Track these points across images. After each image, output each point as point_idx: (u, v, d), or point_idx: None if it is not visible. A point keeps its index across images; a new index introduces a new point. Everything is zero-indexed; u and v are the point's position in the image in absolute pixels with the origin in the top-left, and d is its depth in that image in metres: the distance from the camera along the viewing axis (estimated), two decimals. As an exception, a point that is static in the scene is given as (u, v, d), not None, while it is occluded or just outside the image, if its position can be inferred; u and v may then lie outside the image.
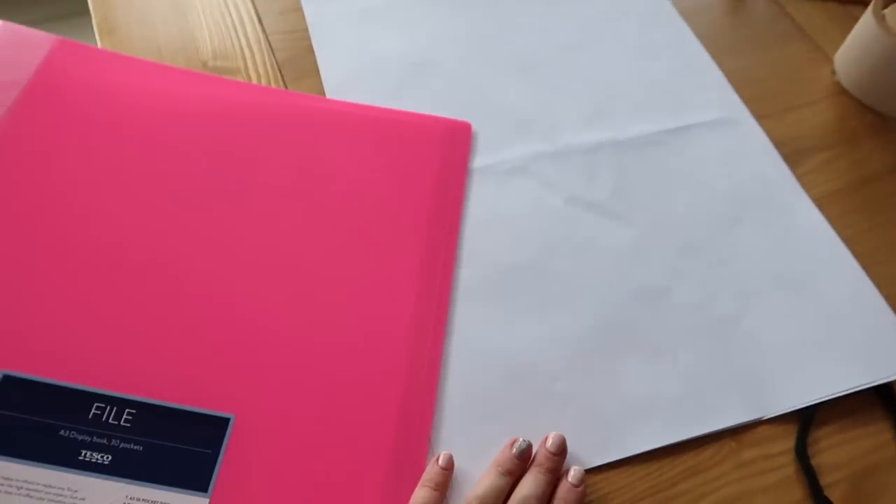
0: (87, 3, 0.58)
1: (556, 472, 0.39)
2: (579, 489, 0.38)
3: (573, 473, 0.39)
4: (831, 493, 0.41)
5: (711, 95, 0.58)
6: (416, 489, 0.38)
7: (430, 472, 0.38)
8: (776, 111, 0.58)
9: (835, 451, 0.43)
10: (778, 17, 0.65)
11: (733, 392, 0.44)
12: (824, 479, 0.41)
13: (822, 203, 0.53)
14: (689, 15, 0.63)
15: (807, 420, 0.43)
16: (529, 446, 0.39)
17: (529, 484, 0.38)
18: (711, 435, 0.42)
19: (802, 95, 0.59)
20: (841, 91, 0.60)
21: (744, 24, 0.64)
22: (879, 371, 0.44)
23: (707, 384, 0.44)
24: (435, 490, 0.38)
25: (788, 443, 0.42)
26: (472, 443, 0.41)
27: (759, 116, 0.57)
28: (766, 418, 0.43)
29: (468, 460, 0.40)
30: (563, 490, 0.38)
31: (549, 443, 0.39)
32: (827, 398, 0.43)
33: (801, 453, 0.42)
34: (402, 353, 0.43)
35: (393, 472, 0.39)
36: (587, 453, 0.41)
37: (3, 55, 0.50)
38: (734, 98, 0.58)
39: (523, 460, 0.39)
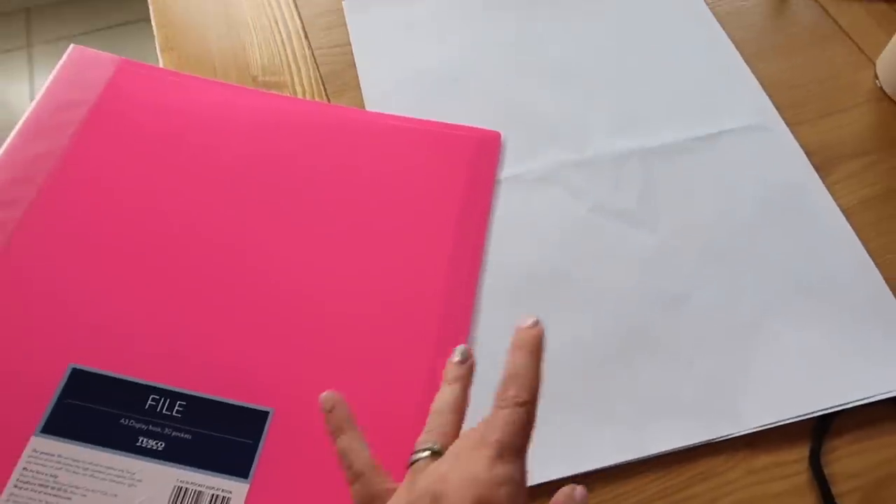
0: (144, 12, 0.63)
1: (465, 379, 0.37)
2: (535, 330, 0.35)
3: (524, 319, 0.35)
4: (844, 503, 0.42)
5: (743, 102, 0.58)
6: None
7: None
8: (812, 117, 0.58)
9: (850, 461, 0.43)
10: (820, 19, 0.64)
11: (749, 398, 0.45)
12: (838, 489, 0.42)
13: (854, 210, 0.52)
14: (727, 20, 0.63)
15: (822, 428, 0.44)
16: (467, 349, 0.38)
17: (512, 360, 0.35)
18: (725, 441, 0.43)
19: (841, 101, 0.59)
20: (882, 97, 0.59)
21: (784, 27, 0.64)
22: (896, 383, 0.44)
23: (723, 389, 0.45)
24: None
25: (802, 451, 0.43)
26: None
27: (794, 123, 0.57)
28: (780, 425, 0.44)
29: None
30: (517, 335, 0.35)
31: (455, 355, 0.38)
32: (844, 407, 0.44)
33: (815, 461, 0.43)
34: (428, 353, 0.46)
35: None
36: (602, 452, 0.43)
37: (75, 76, 0.55)
38: (767, 104, 0.58)
39: (465, 364, 0.38)
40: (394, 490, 0.34)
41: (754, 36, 0.63)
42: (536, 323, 0.35)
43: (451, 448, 0.33)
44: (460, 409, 0.36)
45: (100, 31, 1.58)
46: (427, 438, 0.34)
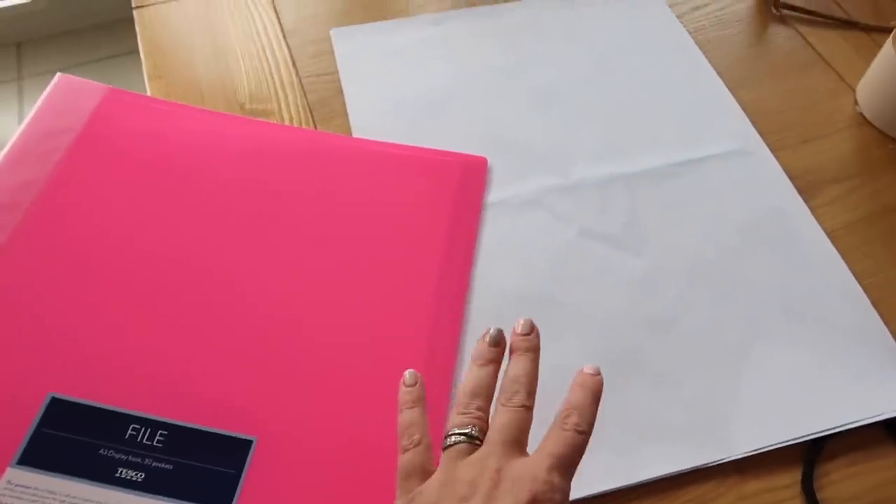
0: (132, 45, 0.63)
1: (535, 350, 0.38)
2: (598, 378, 0.37)
3: (589, 367, 0.38)
4: (837, 528, 0.41)
5: (726, 127, 0.58)
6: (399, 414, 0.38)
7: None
8: (794, 142, 0.58)
9: (843, 486, 0.43)
10: (800, 47, 0.65)
11: (739, 422, 0.44)
12: (830, 514, 0.42)
13: (839, 234, 0.53)
14: (709, 48, 0.65)
15: (814, 452, 0.43)
16: (500, 332, 0.39)
17: (513, 366, 0.38)
18: (715, 466, 0.43)
19: (822, 126, 0.60)
20: (862, 122, 0.60)
21: (764, 55, 0.65)
22: (887, 405, 0.44)
23: (713, 413, 0.45)
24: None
25: (794, 476, 0.43)
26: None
27: (777, 148, 0.57)
28: (771, 449, 0.43)
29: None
30: (581, 378, 0.37)
31: (518, 327, 0.39)
32: (834, 430, 0.43)
33: (808, 487, 0.42)
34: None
35: (402, 494, 0.41)
36: (592, 479, 0.42)
37: (61, 103, 0.55)
38: (750, 130, 0.58)
39: (499, 347, 0.39)
40: (433, 472, 0.35)
41: (736, 63, 0.64)
42: (598, 372, 0.37)
43: (493, 444, 0.34)
44: (491, 394, 0.37)
45: (90, 63, 1.59)
46: (464, 421, 0.36)
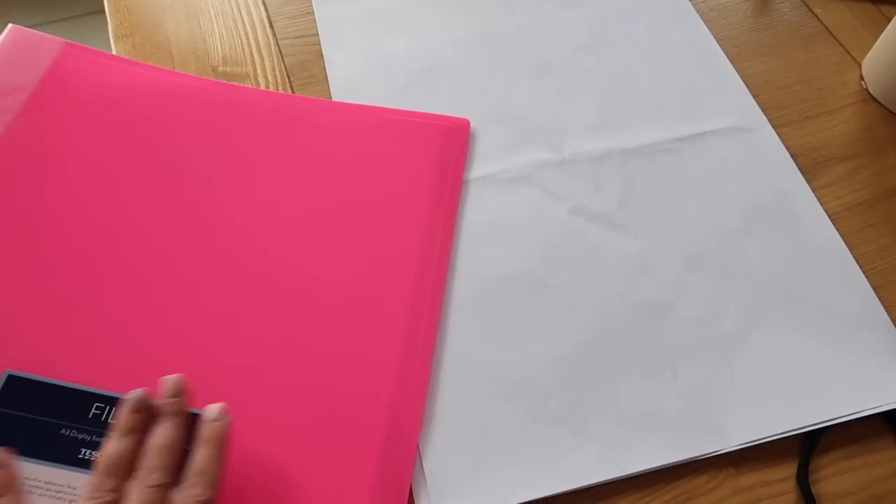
0: (102, 4, 0.59)
1: (181, 414, 0.36)
2: (220, 423, 0.35)
3: (210, 411, 0.36)
4: (832, 523, 0.40)
5: (728, 102, 0.56)
6: None
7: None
8: (797, 119, 0.56)
9: (839, 479, 0.41)
10: (805, 18, 0.62)
11: (734, 413, 0.42)
12: (825, 508, 0.40)
13: (841, 216, 0.51)
14: (710, 17, 0.61)
15: (810, 445, 0.42)
16: (143, 396, 0.36)
17: (156, 435, 0.34)
18: (709, 458, 0.41)
19: (826, 103, 0.57)
20: (868, 98, 0.57)
21: (768, 26, 0.62)
22: (887, 396, 0.42)
23: (707, 404, 0.43)
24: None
25: (790, 469, 0.41)
26: (461, 460, 0.40)
27: (779, 124, 0.55)
28: (766, 441, 0.42)
29: (456, 477, 0.40)
30: (204, 430, 0.35)
31: (164, 389, 0.36)
32: (831, 422, 0.42)
33: (803, 480, 0.40)
34: (391, 364, 0.43)
35: (378, 487, 0.39)
36: (580, 471, 0.40)
37: (13, 58, 0.51)
38: (752, 104, 0.56)
39: (141, 412, 0.35)
40: None
41: (738, 34, 0.61)
42: (222, 415, 0.36)
43: None
44: (132, 469, 0.34)
45: (55, 22, 1.51)
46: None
